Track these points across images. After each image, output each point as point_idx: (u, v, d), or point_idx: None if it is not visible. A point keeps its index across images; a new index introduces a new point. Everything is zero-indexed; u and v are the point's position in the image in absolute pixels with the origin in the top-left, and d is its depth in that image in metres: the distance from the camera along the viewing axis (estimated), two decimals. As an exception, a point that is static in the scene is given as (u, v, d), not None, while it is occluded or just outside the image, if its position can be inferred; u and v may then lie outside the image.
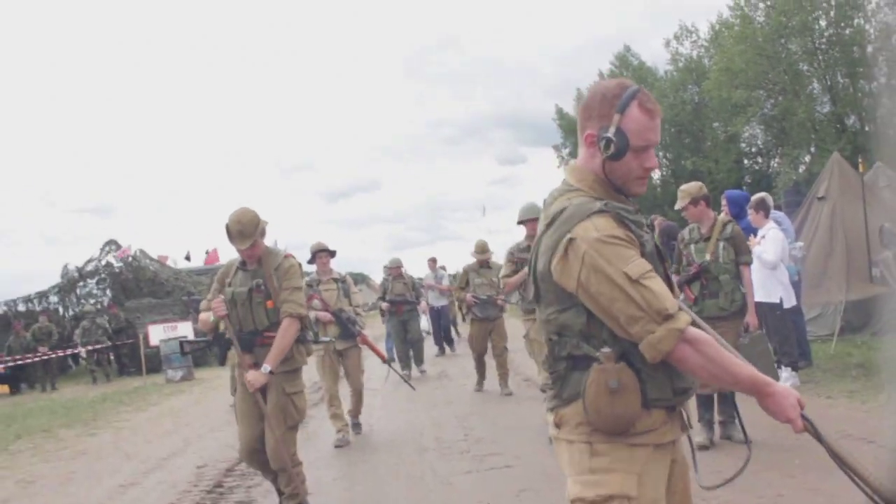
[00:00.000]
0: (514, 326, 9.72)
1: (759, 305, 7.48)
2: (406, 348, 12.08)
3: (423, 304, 13.15)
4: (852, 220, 10.09)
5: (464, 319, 14.93)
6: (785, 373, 7.40)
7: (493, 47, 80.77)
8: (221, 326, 4.70)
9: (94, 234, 77.89)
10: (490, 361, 9.63)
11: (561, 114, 47.98)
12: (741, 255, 5.72)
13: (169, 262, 24.19)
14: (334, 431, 7.32)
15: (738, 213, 7.79)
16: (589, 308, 1.95)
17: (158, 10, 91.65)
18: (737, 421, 5.43)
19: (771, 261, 7.18)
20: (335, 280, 7.54)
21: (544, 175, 71.22)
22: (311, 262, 7.67)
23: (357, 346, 7.41)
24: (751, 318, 5.76)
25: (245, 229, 4.53)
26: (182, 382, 15.17)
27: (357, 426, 7.65)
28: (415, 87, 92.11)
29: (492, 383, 9.63)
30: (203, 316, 4.73)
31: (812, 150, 37.79)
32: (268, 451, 4.60)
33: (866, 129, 36.98)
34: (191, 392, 13.27)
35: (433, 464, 6.15)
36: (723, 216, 8.23)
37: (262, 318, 4.58)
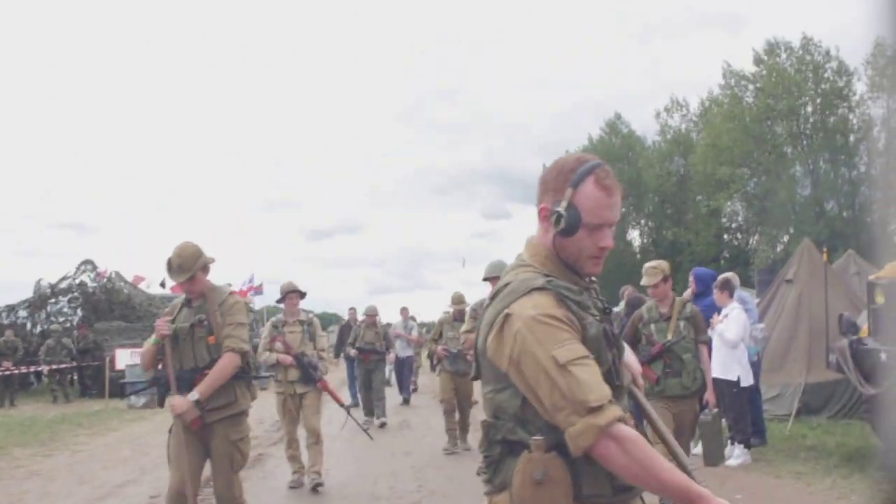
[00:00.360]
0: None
1: (716, 382, 7.63)
2: (370, 397, 12.03)
3: (391, 354, 13.11)
4: (818, 305, 10.31)
5: (433, 370, 14.77)
6: (737, 450, 7.54)
7: (488, 101, 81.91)
8: (160, 366, 4.56)
9: (71, 250, 77.56)
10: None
11: (547, 173, 48.41)
12: (700, 334, 5.83)
13: (143, 284, 24.10)
14: (290, 472, 7.35)
15: (704, 290, 8.02)
16: (520, 390, 1.84)
17: (144, 29, 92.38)
18: None
19: (732, 339, 7.36)
20: (301, 322, 7.44)
21: (528, 232, 70.82)
22: (279, 301, 7.69)
23: (317, 391, 7.26)
24: (710, 396, 5.88)
25: (184, 263, 4.43)
26: (145, 409, 15.06)
27: (316, 479, 7.13)
28: (407, 133, 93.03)
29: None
30: (144, 349, 4.61)
31: (791, 230, 38.52)
32: (216, 496, 4.59)
33: (844, 214, 37.75)
34: (153, 419, 13.17)
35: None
36: (685, 294, 8.49)
37: (202, 355, 4.43)
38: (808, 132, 38.54)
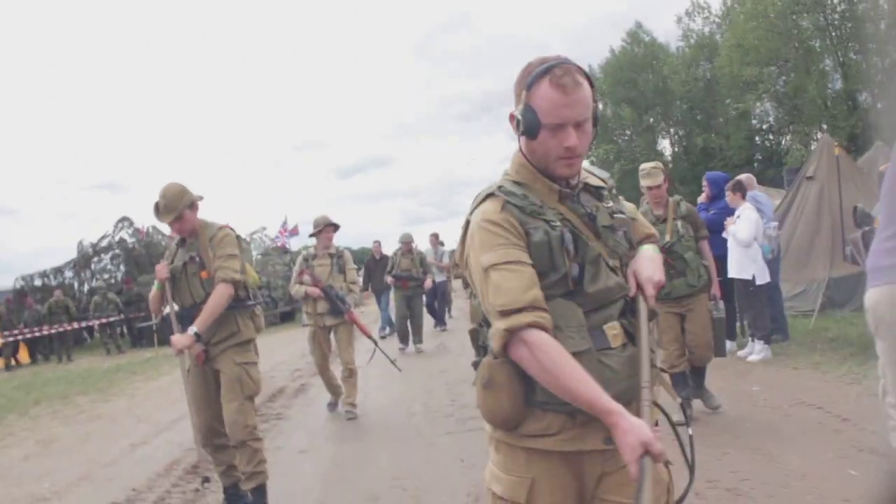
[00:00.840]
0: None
1: (733, 282, 7.89)
2: (405, 324, 12.15)
3: (428, 281, 12.81)
4: (839, 200, 10.40)
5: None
6: (758, 345, 7.78)
7: (503, 25, 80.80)
8: (166, 309, 4.59)
9: (107, 210, 78.72)
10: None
11: (572, 90, 47.79)
12: (699, 230, 5.76)
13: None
14: (329, 396, 7.76)
15: (717, 193, 8.17)
16: None
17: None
18: (706, 389, 5.88)
19: (744, 239, 7.52)
20: (331, 255, 7.46)
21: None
22: (312, 235, 7.66)
23: (348, 323, 7.30)
24: (715, 289, 5.85)
25: (169, 203, 4.39)
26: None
27: (351, 412, 7.28)
28: (426, 65, 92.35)
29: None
30: (152, 294, 4.64)
31: (824, 127, 37.79)
32: (227, 425, 4.44)
33: (878, 105, 36.89)
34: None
35: (419, 427, 6.58)
36: (700, 199, 8.62)
37: (198, 291, 4.44)
38: (835, 23, 37.47)
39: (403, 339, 12.16)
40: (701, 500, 3.95)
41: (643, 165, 5.90)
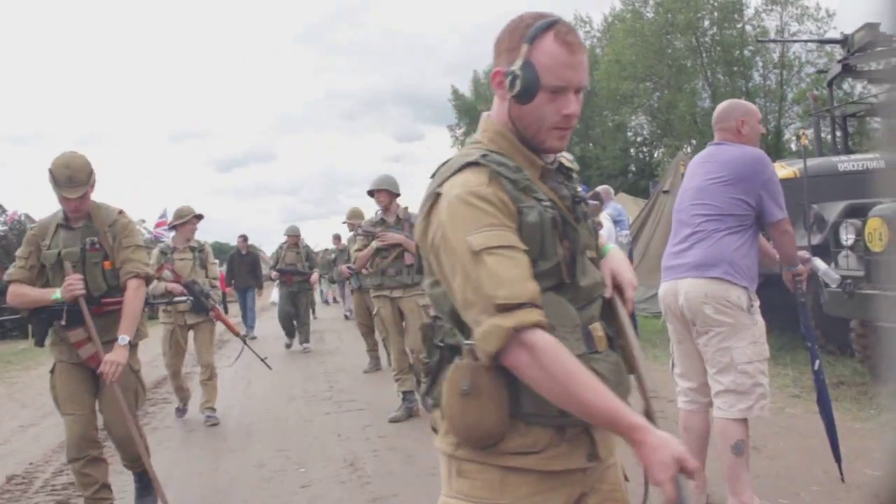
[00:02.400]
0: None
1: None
2: (290, 320, 11.78)
3: (315, 275, 12.25)
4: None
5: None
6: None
7: (393, 21, 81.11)
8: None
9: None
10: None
11: (457, 94, 48.69)
12: None
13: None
14: (177, 401, 7.22)
15: None
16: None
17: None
18: None
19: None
20: (192, 249, 7.00)
21: (441, 153, 72.08)
22: (174, 226, 7.23)
23: (210, 321, 6.84)
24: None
25: (75, 175, 3.82)
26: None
27: (211, 417, 6.79)
28: (311, 57, 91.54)
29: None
30: (21, 290, 3.91)
31: (693, 142, 40.18)
32: (118, 435, 4.01)
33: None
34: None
35: (299, 409, 7.15)
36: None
37: (98, 283, 3.93)
38: (706, 45, 39.93)
39: (289, 334, 11.94)
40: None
41: None
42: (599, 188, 9.31)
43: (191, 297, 6.46)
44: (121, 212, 4.11)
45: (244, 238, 14.31)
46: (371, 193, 6.52)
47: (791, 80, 38.60)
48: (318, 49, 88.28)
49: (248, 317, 14.02)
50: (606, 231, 8.50)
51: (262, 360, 6.56)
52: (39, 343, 4.15)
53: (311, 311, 12.41)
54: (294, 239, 11.82)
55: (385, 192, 6.47)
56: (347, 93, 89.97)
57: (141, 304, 3.97)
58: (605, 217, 8.67)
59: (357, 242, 7.08)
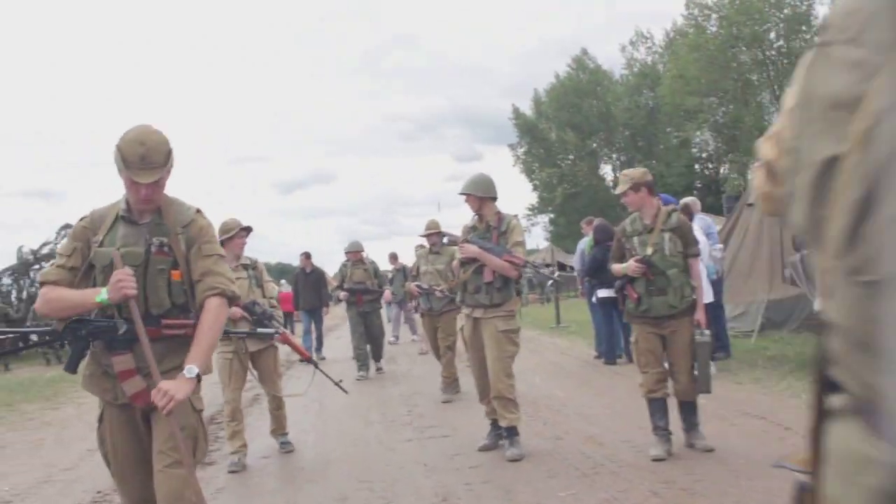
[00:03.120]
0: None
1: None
2: (364, 344, 10.54)
3: (386, 293, 11.62)
4: (778, 226, 10.90)
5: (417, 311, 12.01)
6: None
7: (450, 46, 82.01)
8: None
9: (43, 217, 76.92)
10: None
11: (517, 113, 48.59)
12: (689, 246, 5.23)
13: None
14: (229, 453, 6.01)
15: None
16: None
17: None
18: (699, 429, 5.27)
19: (692, 259, 7.91)
20: (245, 267, 6.12)
21: (500, 173, 72.24)
22: (222, 241, 5.50)
23: (273, 347, 6.16)
24: (700, 315, 5.19)
25: (149, 155, 2.97)
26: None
27: (286, 444, 6.37)
28: (371, 82, 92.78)
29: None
30: (56, 293, 3.04)
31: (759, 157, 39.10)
32: (168, 492, 2.93)
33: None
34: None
35: (379, 435, 6.73)
36: (669, 206, 8.98)
37: (161, 297, 3.06)
38: (773, 58, 38.91)
39: (363, 365, 10.48)
40: (659, 499, 4.20)
41: (622, 172, 5.67)
42: (688, 200, 8.76)
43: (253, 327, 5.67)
44: (198, 211, 3.23)
45: (307, 255, 13.77)
46: (464, 193, 5.83)
47: (864, 92, 37.33)
48: (374, 74, 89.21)
49: (316, 338, 13.69)
50: (701, 244, 7.95)
51: (337, 383, 5.76)
52: (72, 369, 3.23)
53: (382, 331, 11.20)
54: (357, 255, 10.67)
55: (472, 197, 5.71)
56: (405, 115, 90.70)
57: (221, 329, 3.13)
58: (696, 230, 8.12)
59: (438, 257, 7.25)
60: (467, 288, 5.67)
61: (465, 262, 5.69)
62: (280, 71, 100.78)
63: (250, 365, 6.09)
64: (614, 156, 48.99)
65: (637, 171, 5.50)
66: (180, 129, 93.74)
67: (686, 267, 5.23)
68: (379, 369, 10.95)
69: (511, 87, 77.68)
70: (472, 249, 5.56)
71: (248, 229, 6.23)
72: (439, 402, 8.03)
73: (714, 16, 39.16)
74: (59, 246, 23.60)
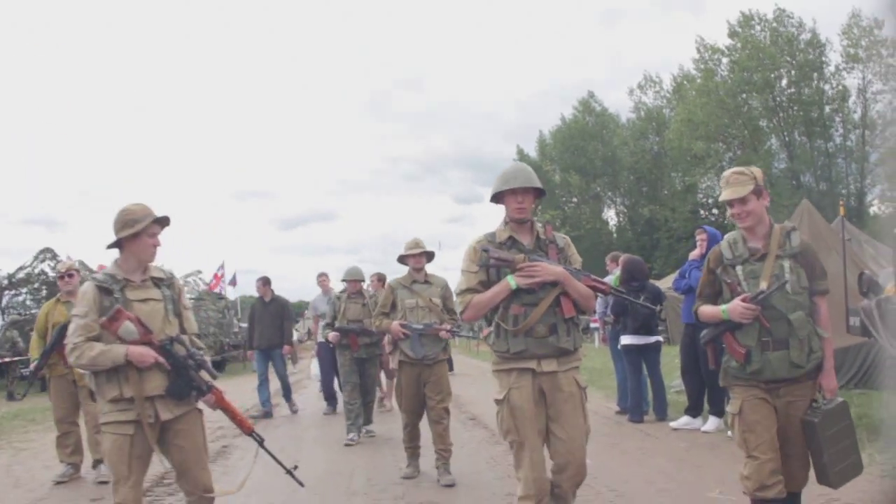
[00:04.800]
0: (467, 369, 8.72)
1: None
2: (356, 398, 8.28)
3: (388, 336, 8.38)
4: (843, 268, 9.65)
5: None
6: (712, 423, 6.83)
7: (453, 90, 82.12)
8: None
9: (42, 246, 75.82)
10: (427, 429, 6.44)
11: (522, 154, 48.08)
12: (816, 280, 3.69)
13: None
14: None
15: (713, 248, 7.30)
16: None
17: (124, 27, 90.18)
18: None
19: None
20: (156, 282, 3.87)
21: (501, 215, 71.56)
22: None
23: (197, 412, 3.90)
24: (827, 379, 3.69)
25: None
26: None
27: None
28: (376, 122, 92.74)
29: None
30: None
31: (767, 204, 38.17)
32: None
33: (820, 187, 37.41)
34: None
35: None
36: (692, 254, 7.73)
37: None
38: (783, 105, 38.11)
39: (353, 425, 8.28)
40: None
41: (726, 173, 3.88)
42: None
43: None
44: None
45: (265, 281, 11.01)
46: (498, 199, 3.98)
47: (874, 141, 36.38)
48: (381, 115, 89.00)
49: (283, 385, 11.14)
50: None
51: (290, 471, 4.11)
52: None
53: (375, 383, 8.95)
54: (357, 285, 8.48)
55: (530, 195, 3.91)
56: (408, 156, 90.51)
57: None
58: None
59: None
60: (534, 330, 3.75)
61: (526, 292, 3.77)
62: (287, 110, 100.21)
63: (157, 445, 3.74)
64: (618, 200, 48.23)
65: (757, 170, 3.86)
66: (184, 161, 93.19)
67: (812, 309, 3.67)
68: (369, 433, 8.75)
69: (514, 132, 77.57)
70: (556, 271, 3.75)
71: (163, 221, 3.86)
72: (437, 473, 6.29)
73: (725, 60, 38.45)
74: (35, 269, 22.45)
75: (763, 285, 3.60)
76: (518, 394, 3.74)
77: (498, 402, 3.82)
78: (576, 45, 76.47)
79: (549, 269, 3.74)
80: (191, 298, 23.99)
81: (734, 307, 3.62)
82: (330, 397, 11.05)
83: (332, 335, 8.34)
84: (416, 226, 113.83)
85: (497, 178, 3.95)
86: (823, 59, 36.72)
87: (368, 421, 8.83)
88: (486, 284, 3.84)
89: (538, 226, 4.00)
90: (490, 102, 79.45)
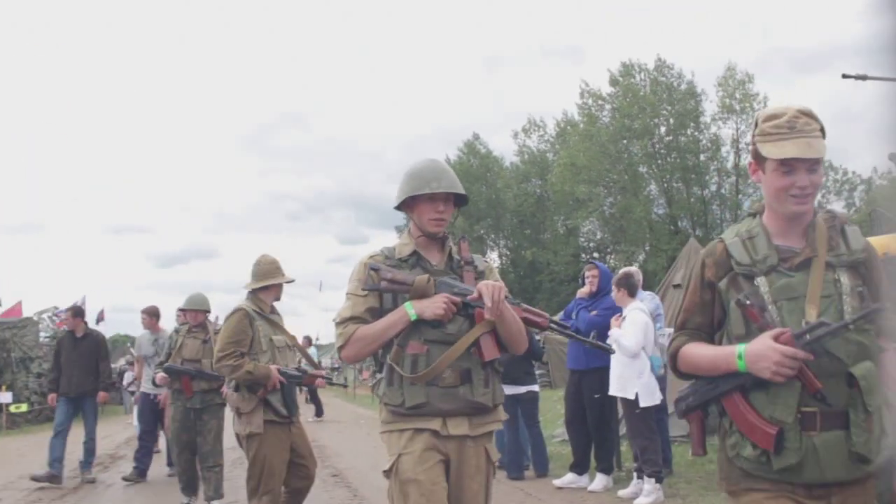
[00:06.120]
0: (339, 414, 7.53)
1: (612, 401, 6.41)
2: (190, 464, 6.72)
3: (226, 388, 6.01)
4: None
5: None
6: (647, 484, 6.11)
7: (337, 128, 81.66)
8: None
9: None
10: None
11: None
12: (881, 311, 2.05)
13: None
14: None
15: (604, 286, 6.71)
16: None
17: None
18: None
19: (629, 347, 6.01)
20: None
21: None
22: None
23: None
24: None
25: None
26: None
27: None
28: (256, 159, 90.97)
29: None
30: None
31: (647, 248, 38.89)
32: None
33: (697, 232, 38.35)
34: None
35: None
36: (580, 291, 7.10)
37: None
38: (662, 152, 39.10)
39: (189, 487, 6.77)
40: None
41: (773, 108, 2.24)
42: (631, 269, 6.87)
43: None
44: None
45: (75, 312, 9.08)
46: (408, 205, 2.97)
47: (747, 189, 37.64)
48: (261, 153, 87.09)
49: (85, 442, 8.54)
50: (639, 326, 6.10)
51: None
52: None
53: (221, 442, 6.67)
54: (199, 316, 6.86)
55: (450, 204, 2.96)
56: (290, 194, 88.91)
57: None
58: (636, 308, 6.26)
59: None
60: (440, 378, 2.75)
61: (429, 325, 2.76)
62: (165, 142, 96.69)
63: None
64: (501, 242, 48.30)
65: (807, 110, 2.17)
66: (61, 195, 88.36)
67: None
68: None
69: (398, 173, 77.13)
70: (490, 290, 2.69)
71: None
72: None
73: (607, 107, 39.18)
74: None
75: (811, 314, 2.05)
76: (412, 463, 2.70)
77: (387, 474, 2.78)
78: (460, 88, 77.16)
79: (490, 288, 2.68)
80: (46, 337, 22.09)
81: (763, 350, 2.02)
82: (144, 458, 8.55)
83: (160, 376, 6.75)
84: (299, 265, 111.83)
85: (407, 176, 2.96)
86: (700, 108, 37.91)
87: (217, 494, 6.47)
88: (376, 313, 2.85)
89: (450, 242, 3.05)
90: (374, 141, 79.24)
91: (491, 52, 74.45)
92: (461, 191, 2.96)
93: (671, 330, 7.41)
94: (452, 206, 2.97)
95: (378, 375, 2.93)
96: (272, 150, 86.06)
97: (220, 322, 6.80)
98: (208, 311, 7.02)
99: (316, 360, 7.88)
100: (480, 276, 2.94)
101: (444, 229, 2.96)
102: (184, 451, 6.63)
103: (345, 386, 6.21)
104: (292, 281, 5.29)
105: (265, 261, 5.08)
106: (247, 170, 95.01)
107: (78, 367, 8.46)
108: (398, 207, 3.01)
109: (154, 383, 7.32)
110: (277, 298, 5.15)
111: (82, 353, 8.52)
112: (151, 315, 8.80)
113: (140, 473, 8.40)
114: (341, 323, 2.87)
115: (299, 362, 5.23)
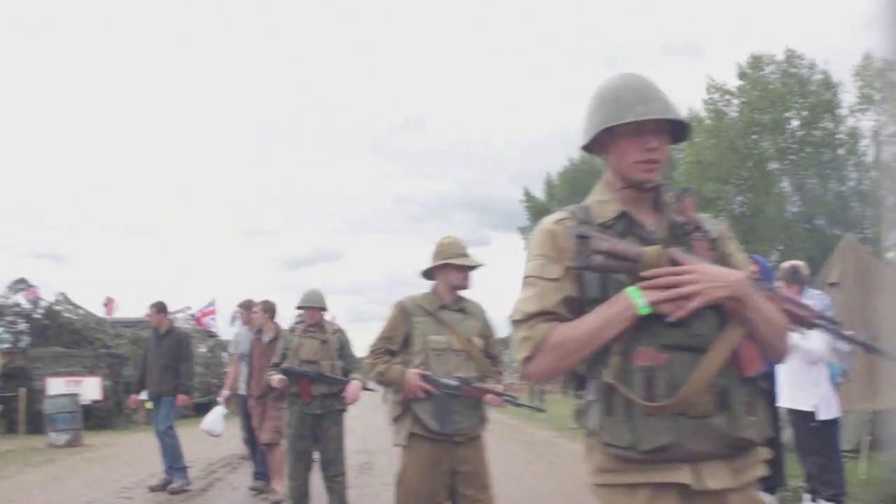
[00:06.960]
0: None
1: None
2: (304, 474, 6.08)
3: (354, 386, 6.07)
4: (874, 311, 8.44)
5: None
6: (822, 508, 5.49)
7: (458, 131, 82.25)
8: None
9: (49, 280, 74.50)
10: None
11: (529, 196, 47.47)
12: None
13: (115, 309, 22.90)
14: None
15: (765, 279, 6.11)
16: None
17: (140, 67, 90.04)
18: None
19: (817, 352, 5.40)
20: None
21: (508, 257, 72.85)
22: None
23: None
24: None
25: None
26: (65, 448, 12.75)
27: None
28: (381, 163, 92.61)
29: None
30: None
31: (780, 248, 37.07)
32: None
33: (835, 231, 36.29)
34: (63, 462, 10.87)
35: None
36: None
37: None
38: (794, 147, 37.19)
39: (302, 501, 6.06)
40: None
41: None
42: (797, 263, 6.29)
43: None
44: None
45: (159, 307, 8.51)
46: (600, 143, 2.20)
47: (888, 184, 35.35)
48: (386, 156, 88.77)
49: (164, 451, 8.15)
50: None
51: None
52: None
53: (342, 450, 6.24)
54: (316, 315, 6.28)
55: (665, 131, 2.14)
56: (414, 197, 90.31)
57: None
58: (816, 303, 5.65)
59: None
60: (692, 405, 1.87)
61: (666, 325, 1.88)
62: (291, 148, 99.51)
63: None
64: (629, 243, 47.36)
65: None
66: (194, 199, 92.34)
67: None
68: None
69: (521, 174, 77.43)
70: (732, 279, 1.90)
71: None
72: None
73: (735, 101, 37.59)
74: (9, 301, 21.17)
75: None
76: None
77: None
78: (582, 88, 76.15)
79: (717, 274, 1.89)
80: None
81: None
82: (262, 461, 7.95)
83: (276, 379, 6.06)
84: (423, 267, 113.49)
85: (598, 99, 2.13)
86: (836, 100, 35.86)
87: (343, 500, 6.11)
88: (575, 305, 2.00)
89: (668, 196, 2.19)
90: (494, 144, 79.48)
91: (611, 53, 73.15)
92: (678, 116, 2.09)
93: (852, 332, 6.77)
94: (667, 141, 2.16)
95: (579, 396, 2.07)
96: (395, 154, 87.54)
97: (337, 323, 6.55)
98: (325, 309, 6.38)
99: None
100: (714, 246, 2.11)
101: (657, 176, 2.12)
102: (299, 462, 6.03)
103: (541, 410, 5.22)
104: (475, 267, 4.44)
105: (440, 241, 4.50)
106: (370, 173, 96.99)
107: (157, 365, 8.12)
108: (586, 148, 2.24)
109: (270, 386, 6.47)
110: (458, 287, 4.38)
111: (162, 351, 8.17)
112: (246, 308, 8.34)
113: (262, 477, 7.91)
114: (524, 321, 1.99)
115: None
